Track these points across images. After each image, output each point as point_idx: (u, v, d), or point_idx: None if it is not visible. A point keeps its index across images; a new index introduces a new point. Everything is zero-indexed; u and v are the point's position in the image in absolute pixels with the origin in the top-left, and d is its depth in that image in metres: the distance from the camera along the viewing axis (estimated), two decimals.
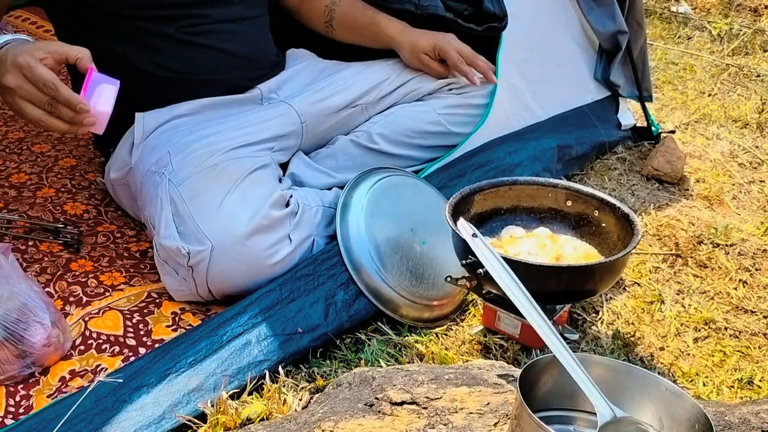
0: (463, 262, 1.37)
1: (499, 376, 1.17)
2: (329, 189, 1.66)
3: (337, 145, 1.77)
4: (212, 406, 1.23)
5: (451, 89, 1.84)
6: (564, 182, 1.56)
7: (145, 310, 1.47)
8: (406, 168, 1.73)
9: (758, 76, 2.87)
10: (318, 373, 1.33)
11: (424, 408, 1.07)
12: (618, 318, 1.54)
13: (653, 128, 2.26)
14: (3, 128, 2.12)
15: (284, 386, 1.29)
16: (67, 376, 1.31)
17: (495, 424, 1.03)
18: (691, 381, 1.40)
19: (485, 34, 1.85)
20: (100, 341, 1.39)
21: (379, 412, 1.07)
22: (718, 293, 1.64)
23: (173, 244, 1.41)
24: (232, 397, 1.25)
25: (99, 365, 1.34)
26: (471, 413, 1.06)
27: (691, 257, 1.74)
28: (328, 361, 1.37)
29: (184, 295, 1.47)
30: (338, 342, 1.41)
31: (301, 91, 1.75)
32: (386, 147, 1.76)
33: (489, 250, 1.19)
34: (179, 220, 1.43)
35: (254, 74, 1.73)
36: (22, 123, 2.16)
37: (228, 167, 1.49)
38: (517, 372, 1.17)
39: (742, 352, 1.48)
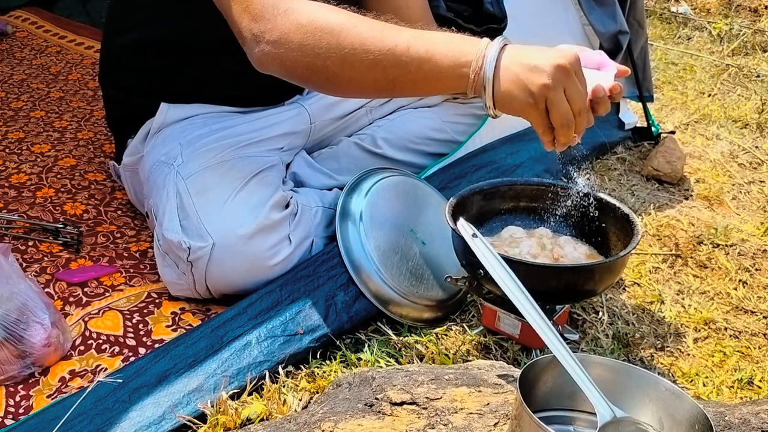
0: (463, 262, 1.37)
1: (499, 376, 1.17)
2: (329, 190, 1.66)
3: (340, 146, 1.77)
4: (212, 406, 1.23)
5: (456, 98, 1.83)
6: (564, 182, 1.56)
7: (145, 311, 1.47)
8: None
9: (758, 76, 2.87)
10: (318, 374, 1.33)
11: (424, 408, 1.07)
12: (618, 318, 1.54)
13: (653, 128, 2.26)
14: (3, 128, 2.12)
15: (284, 386, 1.29)
16: (67, 377, 1.31)
17: (495, 425, 1.03)
18: (691, 381, 1.40)
19: (485, 35, 1.85)
20: (100, 341, 1.39)
21: (379, 412, 1.07)
22: (718, 293, 1.64)
23: (175, 237, 1.42)
24: (232, 397, 1.25)
25: (99, 365, 1.33)
26: (471, 413, 1.05)
27: (691, 257, 1.74)
28: (328, 362, 1.37)
29: (182, 289, 1.47)
30: (338, 342, 1.41)
31: (315, 93, 1.74)
32: (390, 152, 1.76)
33: (489, 250, 1.19)
34: (183, 213, 1.44)
35: (295, 90, 1.69)
36: (22, 123, 2.16)
37: (236, 165, 1.49)
38: (517, 372, 1.17)
39: (742, 353, 1.48)
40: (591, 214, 1.47)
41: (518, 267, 1.20)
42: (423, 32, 1.28)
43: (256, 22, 1.29)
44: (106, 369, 1.32)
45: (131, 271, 1.58)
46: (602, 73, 1.31)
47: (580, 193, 1.45)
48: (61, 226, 1.66)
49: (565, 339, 1.26)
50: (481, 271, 1.27)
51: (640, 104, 2.26)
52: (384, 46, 1.25)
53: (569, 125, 1.21)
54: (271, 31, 1.28)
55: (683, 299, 1.61)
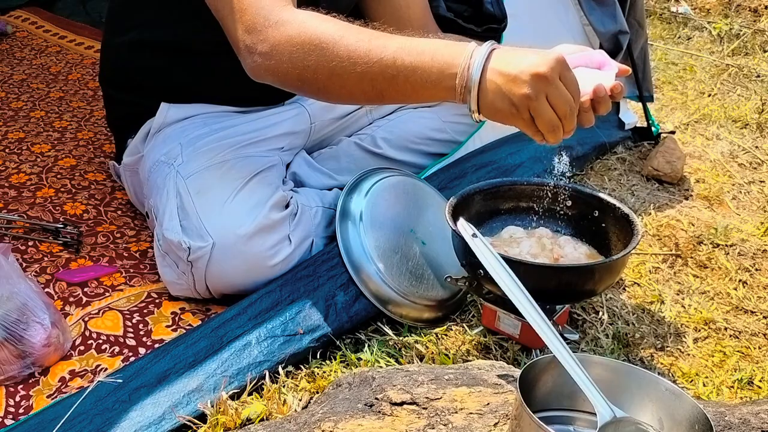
0: (463, 262, 1.37)
1: (499, 376, 1.17)
2: (329, 190, 1.66)
3: (340, 146, 1.77)
4: (212, 406, 1.23)
5: None
6: (564, 182, 1.56)
7: (145, 311, 1.47)
8: None
9: (758, 76, 2.87)
10: (318, 374, 1.33)
11: (424, 408, 1.07)
12: (618, 318, 1.54)
13: (653, 128, 2.26)
14: (3, 128, 2.12)
15: (284, 386, 1.29)
16: (67, 377, 1.31)
17: (495, 425, 1.03)
18: (691, 381, 1.40)
19: (485, 35, 1.85)
20: (100, 341, 1.39)
21: (379, 412, 1.07)
22: (718, 293, 1.64)
23: (175, 237, 1.42)
24: (232, 397, 1.25)
25: (99, 365, 1.34)
26: (471, 413, 1.05)
27: (691, 257, 1.74)
28: (328, 362, 1.37)
29: (182, 289, 1.47)
30: (338, 342, 1.41)
31: None
32: (390, 152, 1.76)
33: (489, 250, 1.19)
34: (183, 213, 1.44)
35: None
36: (22, 123, 2.16)
37: (236, 165, 1.49)
38: (517, 372, 1.17)
39: (742, 353, 1.48)
40: (591, 215, 1.47)
41: (518, 267, 1.20)
42: (410, 42, 1.27)
43: (249, 33, 1.30)
44: (106, 369, 1.32)
45: (131, 271, 1.58)
46: (603, 73, 1.31)
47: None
48: (61, 226, 1.66)
49: (565, 339, 1.26)
50: (481, 271, 1.27)
51: (640, 104, 2.26)
52: (370, 59, 1.25)
53: (556, 129, 1.22)
54: (262, 42, 1.30)
55: (683, 299, 1.61)
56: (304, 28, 1.28)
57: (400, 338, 1.43)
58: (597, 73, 1.31)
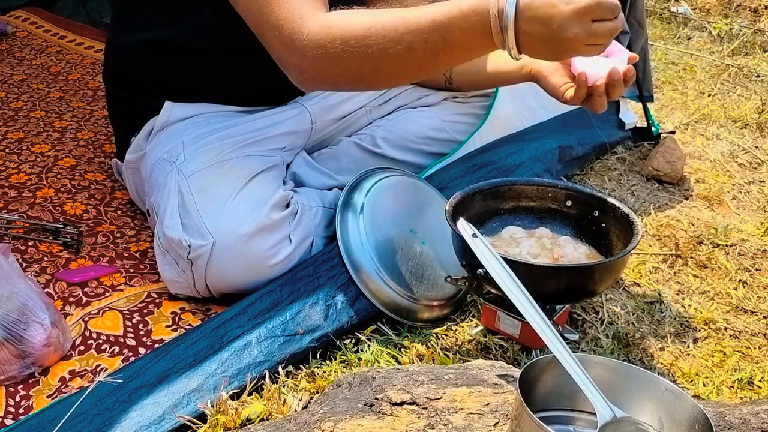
0: (463, 262, 1.37)
1: (499, 376, 1.17)
2: (329, 190, 1.66)
3: (340, 146, 1.77)
4: (212, 406, 1.23)
5: (456, 97, 1.83)
6: (564, 182, 1.56)
7: (145, 311, 1.47)
8: None
9: (758, 76, 2.87)
10: (318, 374, 1.33)
11: (424, 408, 1.07)
12: (618, 318, 1.54)
13: (653, 128, 2.26)
14: (3, 128, 2.12)
15: (284, 386, 1.29)
16: (67, 377, 1.31)
17: (495, 425, 1.03)
18: (691, 381, 1.40)
19: None
20: (100, 341, 1.39)
21: (379, 412, 1.07)
22: (718, 293, 1.64)
23: (176, 235, 1.42)
24: (232, 397, 1.25)
25: (99, 365, 1.34)
26: (471, 413, 1.05)
27: (691, 257, 1.74)
28: (328, 362, 1.37)
29: (182, 288, 1.47)
30: (338, 342, 1.41)
31: (316, 94, 1.74)
32: (389, 152, 1.76)
33: (489, 250, 1.19)
34: (184, 211, 1.44)
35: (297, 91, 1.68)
36: (22, 123, 2.16)
37: (237, 165, 1.50)
38: (517, 372, 1.17)
39: (742, 353, 1.48)
40: (591, 215, 1.48)
41: (518, 267, 1.20)
42: (436, 6, 1.25)
43: (289, 51, 1.33)
44: (106, 369, 1.32)
45: (131, 271, 1.58)
46: (616, 59, 1.34)
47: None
48: (61, 226, 1.66)
49: (565, 339, 1.26)
50: (481, 271, 1.27)
51: (640, 104, 2.26)
52: (406, 36, 1.24)
53: (613, 33, 1.17)
54: (302, 59, 1.32)
55: (683, 299, 1.61)
56: (332, 34, 1.28)
57: (400, 338, 1.43)
58: (609, 59, 1.34)
